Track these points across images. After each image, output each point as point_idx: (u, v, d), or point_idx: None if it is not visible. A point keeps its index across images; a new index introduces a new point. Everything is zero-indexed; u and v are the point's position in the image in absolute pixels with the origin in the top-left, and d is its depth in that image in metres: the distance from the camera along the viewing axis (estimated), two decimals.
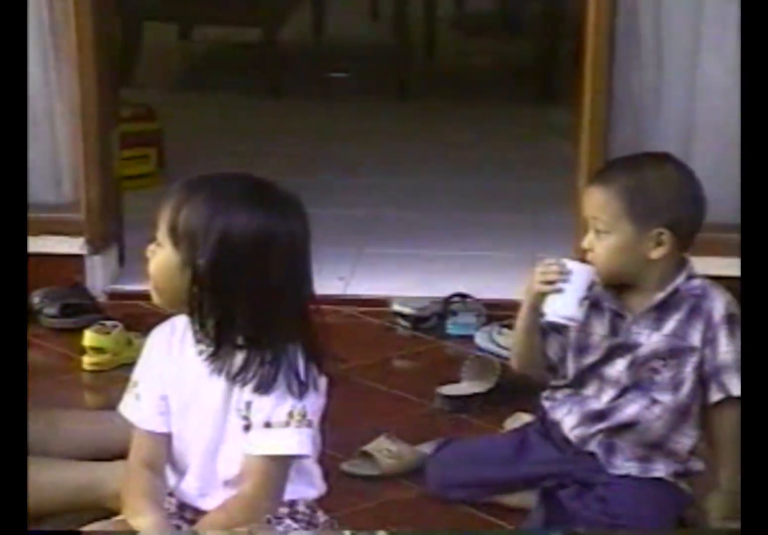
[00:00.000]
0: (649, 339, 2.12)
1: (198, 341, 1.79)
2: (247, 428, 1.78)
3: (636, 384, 2.13)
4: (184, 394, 1.81)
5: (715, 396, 2.11)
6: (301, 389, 1.76)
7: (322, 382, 1.80)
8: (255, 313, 1.74)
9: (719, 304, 2.11)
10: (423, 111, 4.68)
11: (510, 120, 4.53)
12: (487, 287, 3.16)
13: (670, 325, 2.11)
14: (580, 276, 2.09)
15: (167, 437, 1.82)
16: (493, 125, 4.50)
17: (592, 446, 2.17)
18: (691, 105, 3.04)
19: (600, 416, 2.16)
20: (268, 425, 1.76)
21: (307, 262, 1.79)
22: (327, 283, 3.18)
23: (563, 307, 2.09)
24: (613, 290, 2.15)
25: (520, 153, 4.22)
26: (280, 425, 1.75)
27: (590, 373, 2.17)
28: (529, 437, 2.27)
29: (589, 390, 2.17)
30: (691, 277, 2.13)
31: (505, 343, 2.87)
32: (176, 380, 1.81)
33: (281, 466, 1.77)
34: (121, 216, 3.28)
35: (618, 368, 2.14)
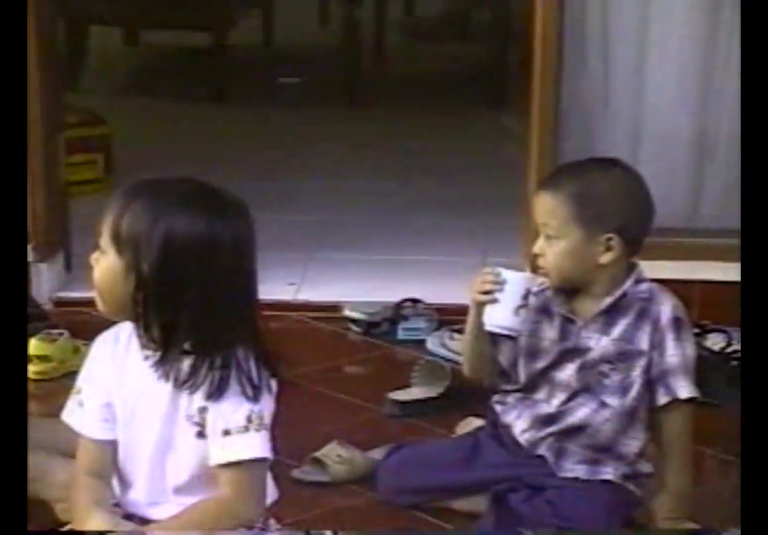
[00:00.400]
0: (599, 343, 2.14)
1: (144, 347, 1.79)
2: (200, 434, 1.77)
3: (586, 388, 2.15)
4: (130, 400, 1.80)
5: (663, 399, 2.13)
6: (255, 393, 1.75)
7: (273, 385, 1.80)
8: (201, 317, 1.73)
9: (666, 308, 2.13)
10: (374, 116, 4.70)
11: (462, 126, 4.56)
12: (439, 292, 3.17)
13: (619, 329, 2.14)
14: (514, 285, 2.10)
15: (112, 445, 1.81)
16: (445, 131, 4.52)
17: (542, 450, 2.19)
18: (639, 110, 3.08)
19: (550, 419, 2.18)
20: (227, 432, 1.75)
21: (253, 265, 1.79)
22: (278, 288, 3.20)
23: (499, 317, 2.11)
24: (563, 295, 2.17)
25: (472, 158, 4.25)
26: (239, 430, 1.75)
27: (541, 377, 2.19)
28: (481, 442, 2.28)
29: (540, 394, 2.19)
30: (639, 281, 2.15)
31: (456, 348, 2.88)
32: (121, 387, 1.80)
33: (253, 470, 1.77)
34: (68, 223, 3.26)
35: (568, 372, 2.16)
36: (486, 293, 2.11)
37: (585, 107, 3.09)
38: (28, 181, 3.06)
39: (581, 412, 2.15)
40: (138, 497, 1.82)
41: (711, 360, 2.76)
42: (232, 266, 1.75)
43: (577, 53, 3.06)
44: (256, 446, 1.76)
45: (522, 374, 2.20)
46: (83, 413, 1.81)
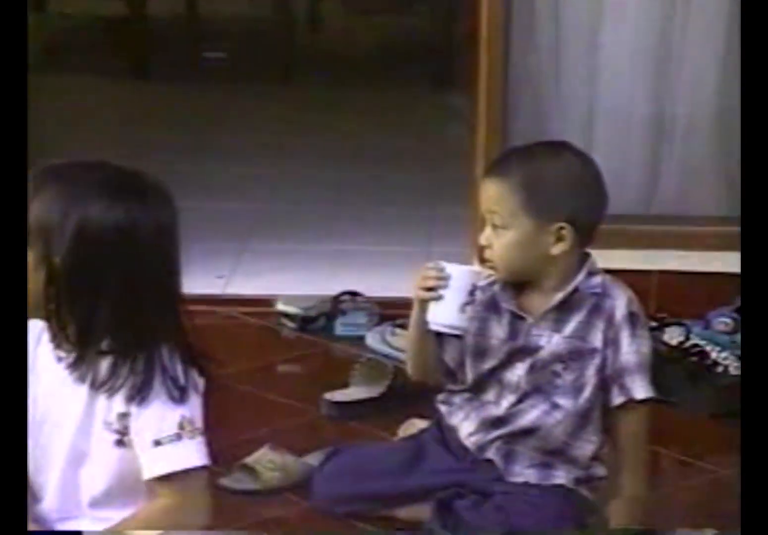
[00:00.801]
0: (550, 342, 2.16)
1: (57, 347, 1.79)
2: (119, 442, 1.77)
3: (536, 389, 2.18)
4: (41, 405, 1.79)
5: (617, 399, 2.16)
6: (181, 395, 1.75)
7: (201, 385, 1.81)
8: (120, 314, 1.73)
9: (621, 302, 2.15)
10: (308, 95, 4.70)
11: (404, 105, 4.58)
12: (380, 284, 3.20)
13: (571, 326, 2.16)
14: (459, 280, 2.11)
15: None
16: (386, 110, 4.54)
17: (491, 454, 2.22)
18: (592, 89, 3.12)
19: (499, 422, 2.20)
20: (158, 443, 1.75)
21: (176, 256, 1.79)
22: (206, 281, 3.20)
23: (443, 315, 2.12)
24: (512, 290, 2.19)
25: (415, 141, 4.27)
26: (171, 439, 1.75)
27: (489, 377, 2.21)
28: (424, 445, 2.30)
29: (489, 395, 2.21)
30: (591, 273, 2.17)
31: (398, 344, 2.91)
32: (31, 390, 1.80)
33: (194, 479, 1.77)
34: None
35: (518, 372, 2.18)
36: (429, 289, 2.12)
37: (535, 85, 3.12)
38: None
39: (532, 414, 2.18)
40: (48, 511, 1.81)
41: (668, 355, 2.81)
42: (153, 257, 1.75)
43: (525, 27, 3.08)
44: (192, 454, 1.76)
45: (469, 374, 2.22)
46: None
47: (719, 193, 3.16)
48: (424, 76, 4.83)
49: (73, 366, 1.76)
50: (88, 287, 1.72)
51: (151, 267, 1.75)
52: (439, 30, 4.94)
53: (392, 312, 3.03)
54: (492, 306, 2.20)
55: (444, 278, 2.11)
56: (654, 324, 2.92)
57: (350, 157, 4.15)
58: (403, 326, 3.00)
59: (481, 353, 2.20)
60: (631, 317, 2.16)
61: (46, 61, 4.99)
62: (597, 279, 2.17)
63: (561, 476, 2.20)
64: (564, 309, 2.16)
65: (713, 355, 2.87)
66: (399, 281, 3.22)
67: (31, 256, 1.72)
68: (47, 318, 1.75)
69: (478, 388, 2.22)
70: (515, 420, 2.19)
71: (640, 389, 2.15)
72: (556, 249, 2.13)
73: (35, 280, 1.72)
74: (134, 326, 1.75)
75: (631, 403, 2.15)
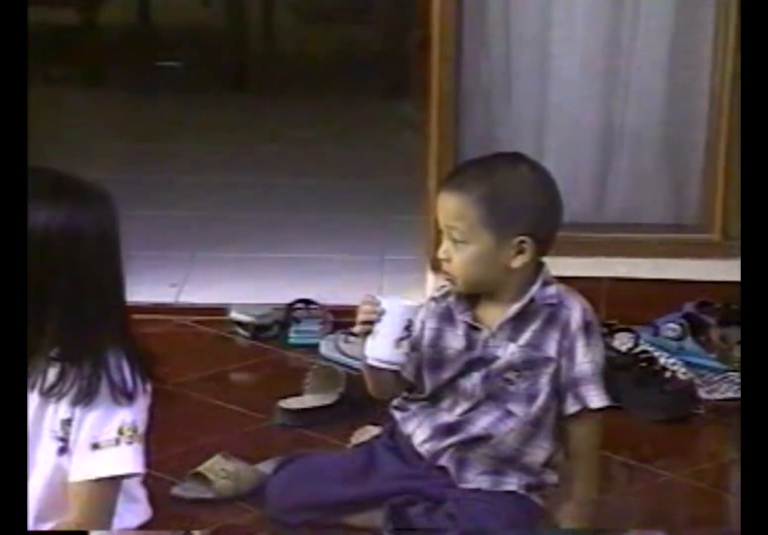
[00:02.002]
0: (506, 351, 2.17)
1: None
2: (62, 450, 1.76)
3: (490, 396, 2.18)
4: None
5: (572, 408, 2.17)
6: (128, 401, 1.75)
7: (149, 391, 1.80)
8: (67, 319, 1.73)
9: (576, 312, 2.17)
10: (262, 103, 4.70)
11: (357, 114, 4.59)
12: (333, 292, 3.19)
13: (526, 335, 2.17)
14: (394, 316, 2.10)
15: None
16: (339, 119, 4.54)
17: (444, 461, 2.22)
18: (542, 99, 3.14)
19: (451, 429, 2.21)
20: (96, 446, 1.74)
21: (119, 259, 1.78)
22: (158, 290, 3.19)
23: (378, 349, 2.12)
24: (467, 302, 2.19)
25: (368, 149, 4.28)
26: (109, 443, 1.74)
27: (446, 387, 2.21)
28: (377, 452, 2.30)
29: (444, 403, 2.22)
30: (546, 283, 2.18)
31: (351, 352, 2.91)
32: None
33: (112, 488, 1.76)
34: None
35: (473, 381, 2.19)
36: (366, 322, 2.12)
37: (487, 94, 3.14)
38: None
39: (483, 421, 2.18)
40: None
41: (618, 361, 2.83)
42: (98, 262, 1.75)
43: (477, 37, 3.10)
44: (127, 460, 1.75)
45: (427, 385, 2.22)
46: None
47: (668, 201, 3.19)
48: (377, 85, 4.84)
49: (42, 380, 1.74)
50: (36, 294, 1.71)
51: (96, 271, 1.75)
52: (392, 39, 4.95)
53: (345, 320, 3.02)
54: (447, 317, 2.20)
55: (378, 313, 2.11)
56: (604, 330, 2.94)
57: (303, 166, 4.15)
58: (356, 334, 3.01)
59: (437, 365, 2.21)
60: (587, 327, 2.17)
61: None
62: (552, 289, 2.18)
63: (513, 483, 2.21)
64: (520, 319, 2.17)
65: (662, 361, 2.89)
66: (352, 288, 3.24)
67: None
68: None
69: (434, 397, 2.23)
70: (467, 427, 2.20)
71: (596, 398, 2.16)
72: (517, 262, 2.13)
73: None
74: (82, 331, 1.74)
75: (585, 412, 2.16)
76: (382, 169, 4.08)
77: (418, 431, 2.24)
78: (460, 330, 2.19)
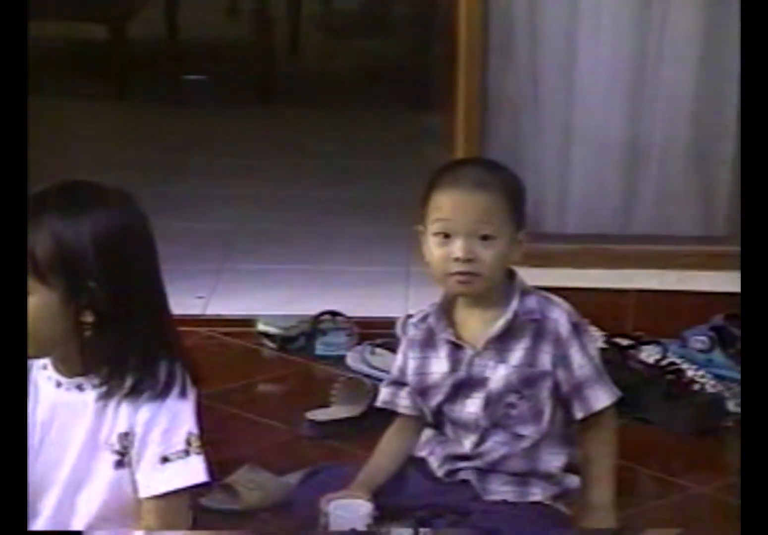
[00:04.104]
0: (496, 372, 2.14)
1: (60, 373, 1.76)
2: (119, 464, 1.75)
3: (495, 424, 2.16)
4: (39, 432, 1.78)
5: (579, 414, 2.15)
6: (191, 411, 1.75)
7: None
8: (147, 325, 1.72)
9: (562, 319, 2.13)
10: (287, 117, 4.71)
11: (380, 126, 4.59)
12: (359, 304, 3.19)
13: (517, 355, 2.14)
14: (340, 526, 2.09)
15: None
16: (362, 132, 4.55)
17: (464, 475, 2.20)
18: (569, 112, 3.12)
19: (465, 458, 2.19)
20: (165, 459, 1.74)
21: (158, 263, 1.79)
22: (185, 302, 3.19)
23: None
24: (447, 318, 2.16)
25: (392, 161, 4.27)
26: (179, 455, 1.74)
27: (440, 415, 2.19)
28: (403, 467, 2.28)
29: (448, 432, 2.20)
30: (524, 293, 2.15)
31: (378, 363, 2.90)
32: (30, 418, 1.77)
33: (183, 496, 1.77)
34: None
35: (470, 409, 2.16)
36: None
37: (512, 107, 3.13)
38: None
39: (498, 453, 2.16)
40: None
41: (646, 374, 2.81)
42: (155, 263, 1.76)
43: (503, 50, 3.09)
44: (198, 471, 1.75)
45: (425, 412, 2.21)
46: None
47: (695, 213, 3.17)
48: (401, 98, 4.85)
49: (105, 386, 1.73)
50: (124, 300, 1.70)
51: (157, 271, 1.75)
52: (416, 53, 4.96)
53: (372, 332, 3.03)
54: (428, 342, 2.18)
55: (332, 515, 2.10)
56: (631, 343, 2.92)
57: (329, 178, 4.15)
58: (382, 346, 3.01)
59: (424, 392, 2.19)
60: (576, 330, 2.14)
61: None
62: (532, 301, 2.14)
63: (537, 494, 2.19)
64: (506, 338, 2.14)
65: (690, 373, 2.87)
66: (378, 300, 3.23)
67: (57, 296, 1.68)
68: (81, 348, 1.71)
69: (435, 425, 2.22)
70: (482, 458, 2.18)
71: (603, 397, 2.14)
72: (516, 256, 2.14)
73: (64, 317, 1.69)
74: (156, 336, 1.73)
75: (593, 416, 2.14)
76: (407, 181, 4.06)
77: (431, 458, 2.22)
78: (443, 352, 2.16)
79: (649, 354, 2.92)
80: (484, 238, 2.11)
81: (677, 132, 3.12)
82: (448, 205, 2.14)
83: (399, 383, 2.23)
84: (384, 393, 2.26)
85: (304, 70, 5.32)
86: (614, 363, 2.79)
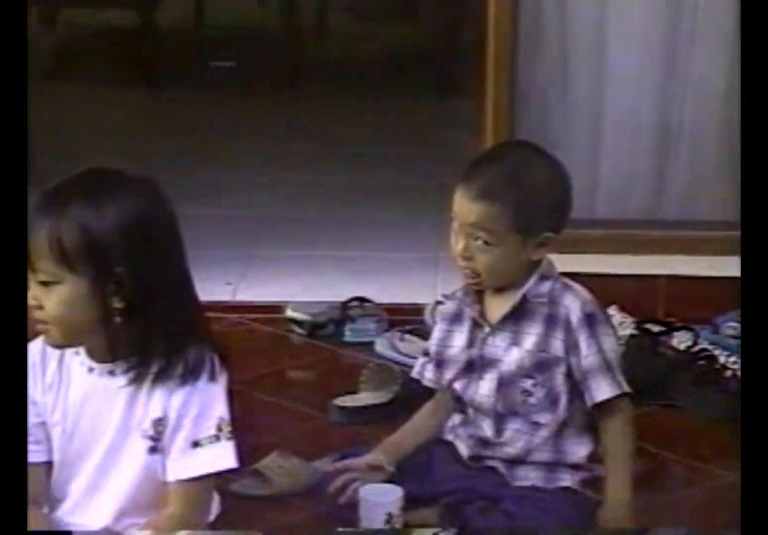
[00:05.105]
0: (509, 354, 2.16)
1: (93, 359, 1.78)
2: (153, 449, 1.77)
3: (512, 411, 2.17)
4: (71, 416, 1.79)
5: (589, 402, 2.16)
6: (222, 396, 1.76)
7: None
8: (175, 310, 1.73)
9: (574, 307, 2.14)
10: (315, 103, 4.70)
11: (409, 112, 4.58)
12: (388, 291, 3.19)
13: (531, 339, 2.15)
14: (371, 511, 2.12)
15: (45, 467, 1.81)
16: (391, 117, 4.54)
17: (492, 464, 2.22)
18: (599, 96, 3.11)
19: (488, 444, 2.21)
20: (196, 444, 1.75)
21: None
22: (214, 288, 3.19)
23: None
24: (476, 294, 2.19)
25: (420, 147, 4.27)
26: (210, 440, 1.75)
27: (455, 393, 2.21)
28: (433, 451, 2.29)
29: (469, 414, 2.22)
30: (544, 277, 2.16)
31: (407, 350, 2.90)
32: (59, 404, 1.80)
33: (208, 481, 1.78)
34: None
35: (483, 391, 2.18)
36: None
37: (542, 92, 3.12)
38: None
39: (519, 443, 2.18)
40: (70, 517, 1.81)
41: (677, 360, 2.80)
42: (180, 248, 1.77)
43: (532, 34, 3.08)
44: (228, 456, 1.77)
45: (444, 388, 2.23)
46: None
47: (726, 197, 3.15)
48: (430, 83, 4.84)
49: (133, 372, 1.74)
50: (152, 285, 1.71)
51: (184, 257, 1.76)
52: (445, 38, 4.94)
53: (401, 318, 3.03)
54: (456, 317, 2.22)
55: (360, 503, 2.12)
56: (662, 329, 2.92)
57: (358, 164, 4.15)
58: (411, 332, 3.01)
59: (441, 363, 2.22)
60: (588, 319, 2.15)
61: (55, 70, 5.01)
62: (546, 286, 2.16)
63: (567, 479, 2.20)
64: (518, 320, 2.16)
65: (721, 359, 2.86)
66: (407, 286, 3.23)
67: (87, 283, 1.70)
68: (108, 335, 1.73)
69: (461, 409, 2.23)
70: (503, 448, 2.20)
71: (606, 390, 2.13)
72: (537, 254, 2.14)
73: (93, 304, 1.70)
74: (183, 320, 1.75)
75: (604, 404, 2.14)
76: (436, 168, 4.06)
77: (457, 442, 2.25)
78: (466, 327, 2.20)
79: (680, 340, 2.91)
80: (484, 242, 2.12)
81: (708, 118, 3.10)
82: (456, 203, 2.17)
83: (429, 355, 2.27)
84: (417, 364, 2.30)
85: (332, 55, 5.31)
86: (645, 349, 2.79)
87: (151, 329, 1.73)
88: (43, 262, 1.70)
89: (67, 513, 1.82)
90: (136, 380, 1.75)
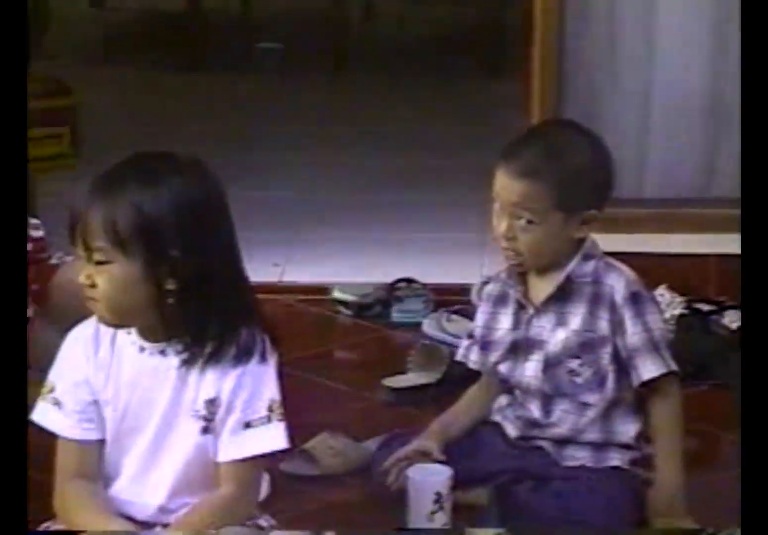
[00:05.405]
0: (554, 335, 2.16)
1: (145, 338, 1.79)
2: (205, 429, 1.77)
3: (559, 392, 2.17)
4: (123, 396, 1.80)
5: (635, 382, 2.15)
6: (274, 377, 1.77)
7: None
8: (227, 291, 1.73)
9: (619, 285, 2.13)
10: (361, 84, 4.70)
11: (455, 93, 4.57)
12: (435, 271, 3.19)
13: (577, 319, 2.15)
14: (420, 491, 2.13)
15: (99, 445, 1.82)
16: (438, 99, 4.52)
17: (540, 442, 2.21)
18: (648, 74, 3.09)
19: (536, 425, 2.21)
20: (248, 425, 1.76)
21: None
22: (261, 270, 3.19)
23: (414, 522, 2.14)
24: (520, 275, 2.18)
25: (468, 128, 4.25)
26: (262, 421, 1.76)
27: (505, 378, 2.21)
28: (481, 432, 2.29)
29: (517, 395, 2.22)
30: (587, 256, 2.15)
31: (454, 330, 2.89)
32: (110, 383, 1.81)
33: (259, 463, 1.79)
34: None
35: (528, 372, 2.18)
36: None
37: (590, 72, 3.10)
38: None
39: (567, 423, 2.18)
40: (122, 495, 1.83)
41: (728, 339, 2.78)
42: (230, 226, 1.77)
43: (580, 13, 3.06)
44: (279, 437, 1.78)
45: (489, 370, 2.23)
46: (62, 414, 1.81)
47: None
48: (477, 64, 4.82)
49: (187, 353, 1.75)
50: (206, 268, 1.72)
51: (233, 240, 1.77)
52: (492, 19, 4.92)
53: (448, 298, 3.03)
54: (501, 299, 2.22)
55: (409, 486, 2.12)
56: (713, 308, 2.89)
57: (404, 146, 4.14)
58: (458, 312, 3.01)
59: (486, 345, 2.22)
60: (633, 298, 2.14)
61: (103, 53, 5.04)
62: (590, 265, 2.15)
63: (617, 458, 2.19)
64: (563, 301, 2.15)
65: None
66: (454, 267, 3.23)
67: (138, 265, 1.71)
68: (162, 317, 1.74)
69: (503, 388, 2.23)
70: (552, 429, 2.19)
71: (651, 368, 2.12)
72: (581, 232, 2.14)
73: (145, 287, 1.72)
74: (237, 301, 1.75)
75: (651, 384, 2.13)
76: (483, 149, 4.04)
77: (505, 423, 2.24)
78: (510, 309, 2.20)
79: (731, 320, 2.88)
80: (527, 221, 2.11)
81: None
82: (497, 183, 2.17)
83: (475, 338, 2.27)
84: (462, 346, 2.30)
85: (379, 37, 5.30)
86: (695, 329, 2.77)
87: (205, 311, 1.74)
88: (98, 243, 1.72)
89: (120, 491, 1.83)
90: (189, 361, 1.76)
